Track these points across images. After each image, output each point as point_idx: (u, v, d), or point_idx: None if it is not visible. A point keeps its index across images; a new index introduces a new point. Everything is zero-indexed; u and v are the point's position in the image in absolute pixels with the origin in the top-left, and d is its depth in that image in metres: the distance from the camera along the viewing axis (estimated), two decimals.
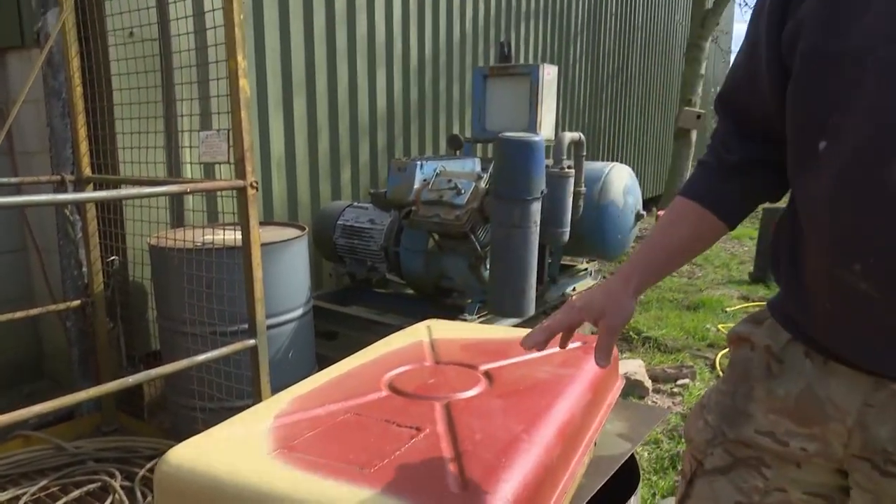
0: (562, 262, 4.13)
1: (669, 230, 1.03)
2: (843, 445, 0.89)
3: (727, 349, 2.99)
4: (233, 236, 2.43)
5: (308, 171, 3.94)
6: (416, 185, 3.16)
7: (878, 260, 0.77)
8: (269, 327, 2.42)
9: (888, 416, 0.84)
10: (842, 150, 0.78)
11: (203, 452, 1.17)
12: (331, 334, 3.46)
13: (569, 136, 3.36)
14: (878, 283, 0.78)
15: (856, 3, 0.77)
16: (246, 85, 2.16)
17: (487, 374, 1.56)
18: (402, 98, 4.67)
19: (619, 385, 1.80)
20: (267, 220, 3.54)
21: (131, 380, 1.92)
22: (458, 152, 4.28)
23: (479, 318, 3.19)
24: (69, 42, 2.67)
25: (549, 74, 4.04)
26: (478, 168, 3.57)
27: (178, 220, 3.06)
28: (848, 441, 0.88)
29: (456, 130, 5.20)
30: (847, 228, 0.80)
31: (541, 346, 1.01)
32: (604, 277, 5.59)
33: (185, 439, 1.22)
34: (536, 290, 3.72)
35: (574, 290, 4.06)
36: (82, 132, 2.70)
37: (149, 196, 2.56)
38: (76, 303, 2.76)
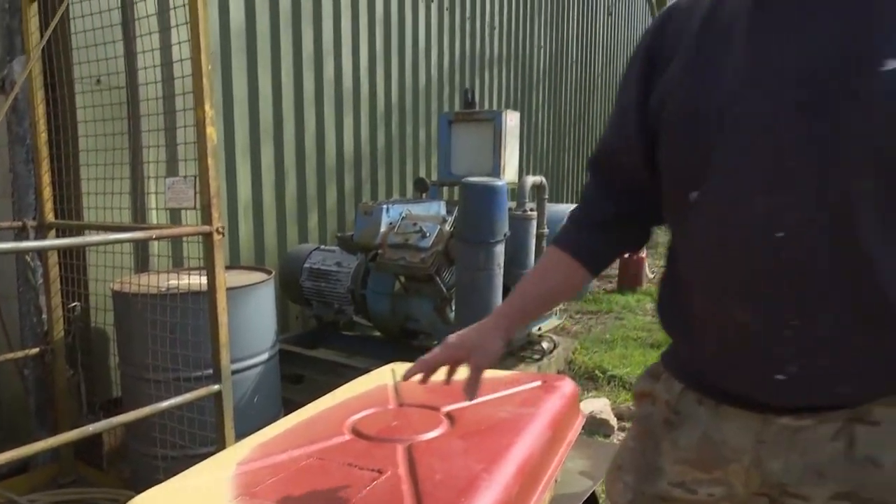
0: None
1: (541, 278, 1.11)
2: (744, 485, 0.92)
3: None
4: (198, 281, 2.43)
5: (275, 215, 3.96)
6: (383, 229, 3.21)
7: (755, 293, 0.83)
8: (235, 372, 2.41)
9: (779, 450, 0.87)
10: (711, 199, 0.85)
11: (164, 502, 1.17)
12: (297, 378, 3.44)
13: (531, 179, 3.46)
14: (758, 314, 0.83)
15: (712, 68, 0.85)
16: (213, 133, 2.20)
17: (449, 416, 1.58)
18: (370, 142, 4.75)
19: (580, 422, 1.84)
20: (233, 265, 3.54)
21: (91, 428, 1.89)
22: (424, 195, 4.36)
23: None
24: (35, 89, 2.69)
25: (511, 120, 4.17)
26: (443, 211, 3.64)
27: (142, 265, 3.05)
28: (747, 480, 0.91)
29: (423, 174, 5.29)
30: (724, 269, 0.86)
31: (419, 378, 1.09)
32: (570, 317, 5.67)
33: (145, 489, 1.22)
34: None
35: (539, 329, 4.11)
36: (46, 178, 2.70)
37: (114, 242, 2.56)
38: (34, 350, 2.71)
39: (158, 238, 2.15)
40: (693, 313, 0.94)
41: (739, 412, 0.91)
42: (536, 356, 3.98)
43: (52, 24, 2.25)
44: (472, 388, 1.06)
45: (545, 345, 3.99)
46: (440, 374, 1.17)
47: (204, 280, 2.24)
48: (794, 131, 0.78)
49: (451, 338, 1.10)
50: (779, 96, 0.79)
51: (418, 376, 1.12)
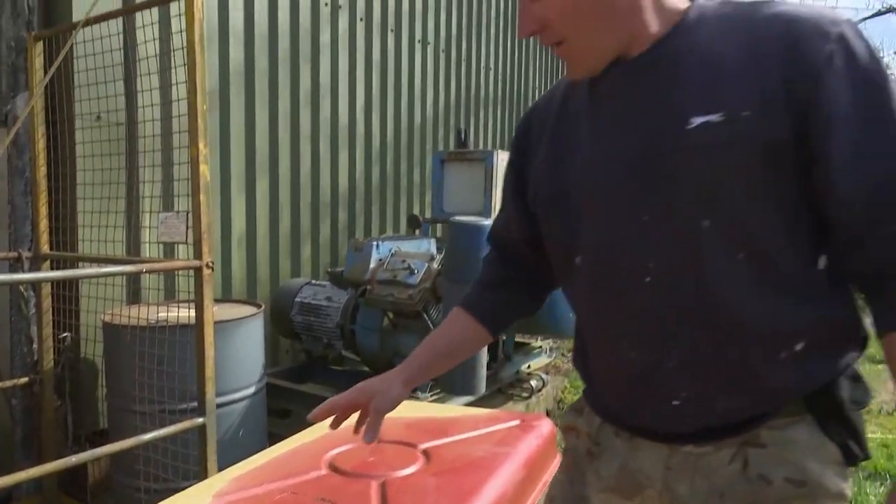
0: (517, 341, 4.22)
1: (442, 334, 1.20)
2: None
3: None
4: (187, 314, 2.47)
5: (268, 249, 4.02)
6: (372, 265, 3.27)
7: (637, 333, 0.95)
8: (220, 405, 2.43)
9: (685, 476, 0.97)
10: (589, 261, 1.00)
11: None
12: (284, 412, 3.45)
13: None
14: (644, 351, 0.95)
15: (567, 154, 1.02)
16: (206, 171, 2.28)
17: (426, 453, 1.61)
18: (364, 179, 4.84)
19: (557, 462, 1.87)
20: (225, 298, 3.58)
21: (74, 459, 1.91)
22: (417, 232, 4.43)
23: (431, 395, 3.23)
24: (36, 125, 2.77)
25: (503, 160, 4.26)
26: (433, 249, 3.70)
27: (134, 297, 3.09)
28: None
29: (416, 210, 5.37)
30: (609, 316, 0.99)
31: (319, 418, 1.14)
32: (562, 355, 5.69)
33: None
34: (491, 369, 3.79)
35: (529, 367, 4.14)
36: (43, 210, 2.77)
37: (104, 276, 2.61)
38: (24, 380, 2.73)
39: (148, 272, 2.20)
40: (593, 357, 1.06)
41: (650, 443, 1.00)
42: (525, 394, 3.99)
43: (56, 63, 2.34)
44: (371, 431, 1.12)
45: (534, 383, 4.00)
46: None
47: (193, 313, 2.28)
48: (637, 192, 0.92)
49: (360, 383, 1.17)
50: (617, 167, 0.94)
51: (328, 416, 1.17)
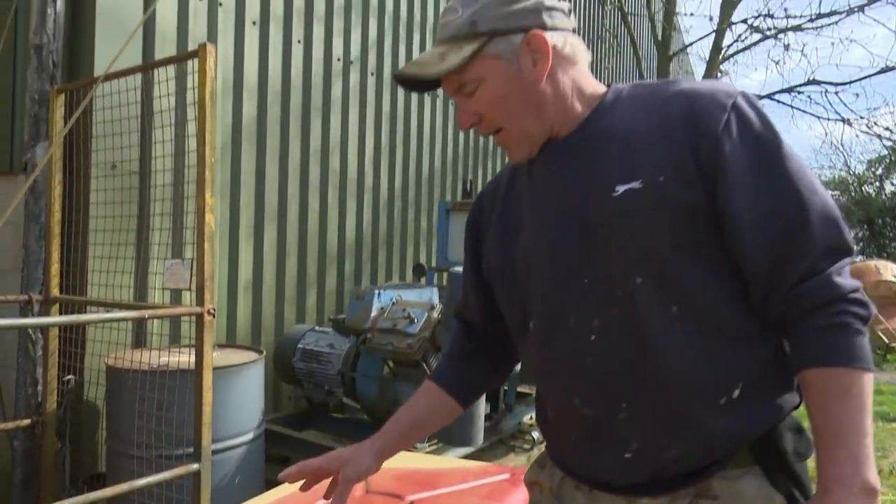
0: (519, 391, 4.21)
1: (414, 405, 1.25)
2: None
3: None
4: (188, 359, 2.52)
5: (274, 295, 4.08)
6: (373, 313, 3.31)
7: (588, 389, 1.00)
8: (218, 451, 2.45)
9: None
10: (540, 324, 1.07)
11: None
12: (283, 459, 3.44)
13: None
14: (595, 406, 1.00)
15: (513, 231, 1.11)
16: (212, 220, 2.36)
17: None
18: (371, 228, 4.93)
19: None
20: (229, 343, 3.63)
21: (68, 503, 1.93)
22: (422, 280, 4.48)
23: (429, 446, 3.23)
24: (53, 172, 2.89)
25: None
26: (435, 298, 3.74)
27: (139, 341, 3.14)
28: None
29: (423, 259, 5.44)
30: (562, 374, 1.04)
31: (290, 480, 1.16)
32: None
33: None
34: (492, 419, 3.78)
35: (531, 418, 4.11)
36: (55, 255, 2.85)
37: (108, 321, 2.67)
38: (26, 422, 2.77)
39: (151, 317, 2.26)
40: (550, 413, 1.11)
41: (608, 496, 1.04)
42: (527, 446, 3.96)
43: (75, 116, 2.45)
44: (339, 499, 1.14)
45: (536, 434, 3.98)
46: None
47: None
48: (576, 258, 1.00)
49: (334, 451, 1.20)
50: (556, 237, 1.02)
51: (299, 478, 1.19)
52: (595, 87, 1.07)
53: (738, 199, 0.92)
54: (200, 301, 2.31)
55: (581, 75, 1.06)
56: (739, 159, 0.93)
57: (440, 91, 5.48)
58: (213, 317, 2.33)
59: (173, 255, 3.17)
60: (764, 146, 0.94)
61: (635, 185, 0.95)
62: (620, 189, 0.96)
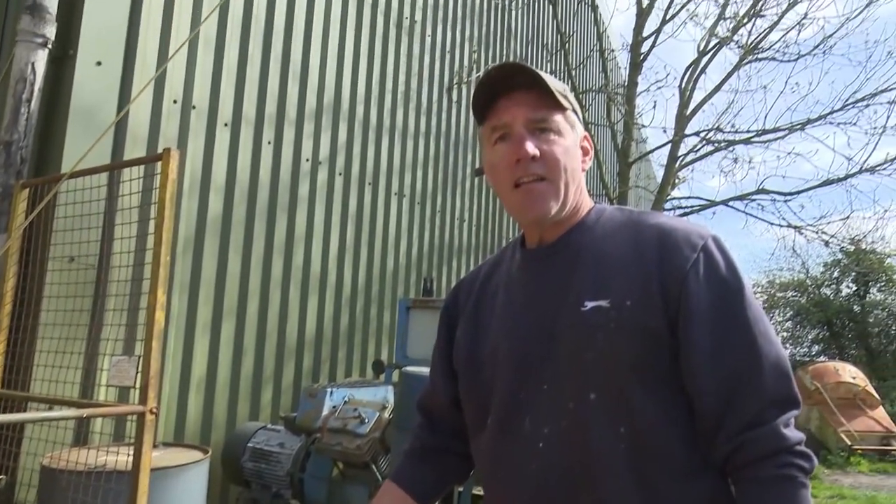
0: (474, 493, 4.11)
1: None
2: None
3: None
4: (128, 459, 2.45)
5: (228, 391, 4.02)
6: (325, 412, 3.28)
7: (536, 489, 1.02)
8: None
9: None
10: (493, 423, 1.09)
11: None
12: None
13: None
14: (543, 500, 1.01)
15: (484, 327, 1.16)
16: (162, 318, 2.38)
17: None
18: (332, 323, 4.94)
19: None
20: (176, 441, 3.54)
21: None
22: (381, 377, 4.46)
23: None
24: (9, 265, 2.90)
25: None
26: (390, 396, 3.72)
27: (82, 440, 3.06)
28: None
29: (384, 355, 5.43)
30: (507, 477, 1.07)
31: None
32: None
33: None
34: None
35: None
36: (0, 348, 2.82)
37: (43, 420, 2.61)
38: None
39: (90, 416, 2.23)
40: None
41: None
42: None
43: (35, 212, 2.51)
44: None
45: None
46: None
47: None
48: (539, 363, 1.04)
49: None
50: (523, 341, 1.07)
51: None
52: (588, 199, 1.17)
53: (697, 336, 0.97)
54: (143, 399, 2.29)
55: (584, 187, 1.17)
56: (702, 298, 0.98)
57: (407, 191, 5.64)
58: (156, 416, 2.30)
59: (124, 352, 3.15)
60: (727, 290, 0.99)
61: (603, 303, 1.00)
62: (589, 305, 1.01)
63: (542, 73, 1.08)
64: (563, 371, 1.02)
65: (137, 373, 2.41)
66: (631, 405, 0.98)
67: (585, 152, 1.14)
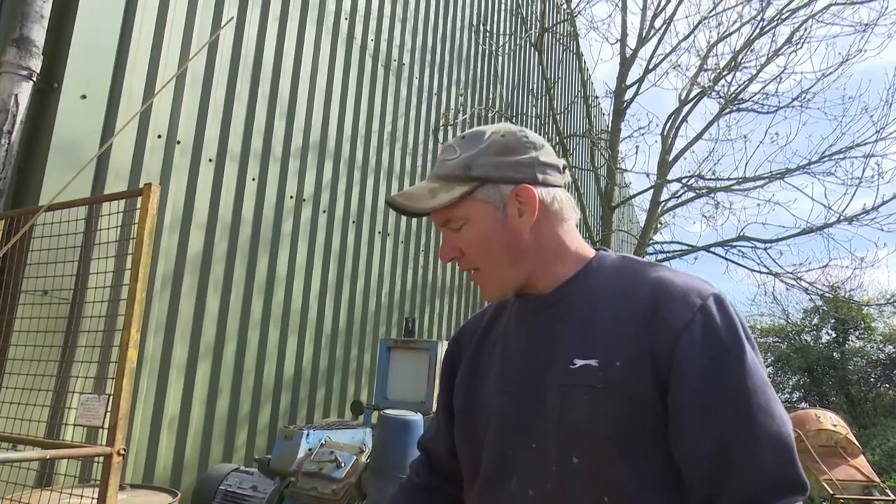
0: None
1: None
2: None
3: None
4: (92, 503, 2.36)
5: (202, 432, 3.91)
6: (300, 455, 3.19)
7: None
8: None
9: None
10: (484, 477, 1.07)
11: None
12: None
13: None
14: None
15: (482, 375, 1.13)
16: (134, 356, 2.32)
17: None
18: (312, 364, 4.86)
19: None
20: (145, 483, 3.42)
21: None
22: (360, 418, 4.37)
23: None
24: None
25: None
26: (368, 439, 3.64)
27: (46, 481, 2.94)
28: None
29: (364, 396, 5.34)
30: None
31: None
32: None
33: None
34: None
35: None
36: None
37: (4, 462, 2.52)
38: None
39: (54, 458, 2.14)
40: None
41: None
42: None
43: (8, 245, 2.46)
44: None
45: None
46: None
47: None
48: (528, 421, 1.02)
49: None
50: (515, 396, 1.05)
51: None
52: (581, 246, 1.10)
53: (685, 403, 0.91)
54: (111, 441, 2.22)
55: (566, 232, 1.09)
56: (694, 362, 0.91)
57: (391, 230, 5.65)
58: (123, 457, 2.22)
59: (94, 390, 3.06)
60: (723, 353, 0.92)
61: (592, 362, 0.96)
62: (578, 363, 0.97)
63: (416, 189, 1.06)
64: (549, 431, 0.98)
65: (107, 412, 2.34)
66: (614, 473, 0.93)
67: (521, 212, 1.05)
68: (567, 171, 1.12)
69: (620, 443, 0.93)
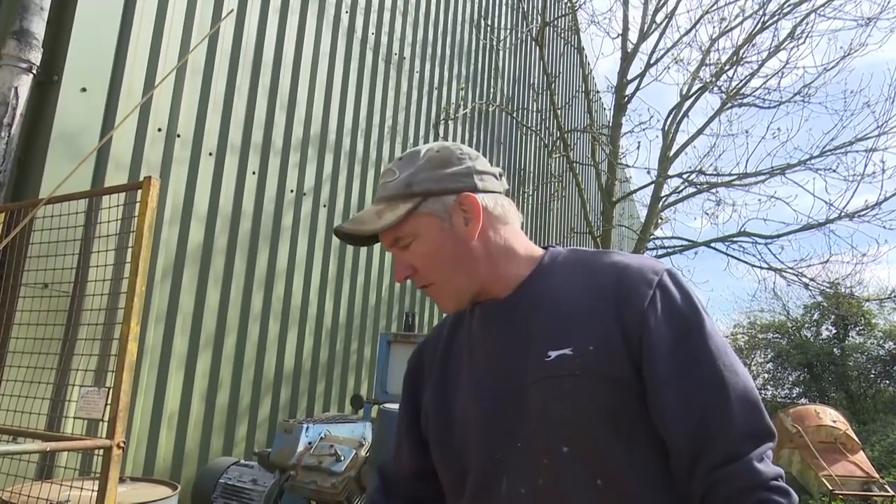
0: None
1: None
2: None
3: None
4: (93, 495, 2.36)
5: (202, 425, 3.92)
6: (300, 449, 3.20)
7: None
8: None
9: None
10: (472, 486, 1.07)
11: None
12: None
13: None
14: None
15: (452, 388, 1.13)
16: (134, 349, 2.32)
17: None
18: (312, 357, 4.87)
19: None
20: (145, 476, 3.43)
21: None
22: (359, 412, 4.38)
23: None
24: None
25: None
26: (368, 433, 3.65)
27: (46, 474, 2.95)
28: None
29: (364, 390, 5.35)
30: None
31: None
32: None
33: None
34: None
35: None
36: None
37: (4, 454, 2.52)
38: None
39: (54, 450, 2.15)
40: None
41: None
42: None
43: (8, 238, 2.46)
44: None
45: None
46: None
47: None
48: (510, 421, 1.02)
49: None
50: (492, 400, 1.05)
51: None
52: (529, 247, 1.12)
53: (660, 375, 0.95)
54: (111, 433, 2.22)
55: (513, 235, 1.11)
56: (662, 336, 0.96)
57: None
58: (123, 450, 2.23)
59: (95, 383, 3.07)
60: (685, 324, 0.98)
61: (567, 351, 0.98)
62: (553, 354, 0.99)
63: (363, 214, 1.08)
64: (535, 427, 0.99)
65: (107, 405, 2.34)
66: (605, 455, 0.96)
67: (466, 220, 1.06)
68: (503, 177, 1.15)
69: (607, 426, 0.96)
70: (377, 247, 5.64)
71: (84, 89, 3.26)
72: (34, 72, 3.07)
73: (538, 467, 0.98)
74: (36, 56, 3.06)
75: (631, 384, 0.96)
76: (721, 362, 0.96)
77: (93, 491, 2.32)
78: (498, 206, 1.09)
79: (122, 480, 2.72)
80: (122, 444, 2.23)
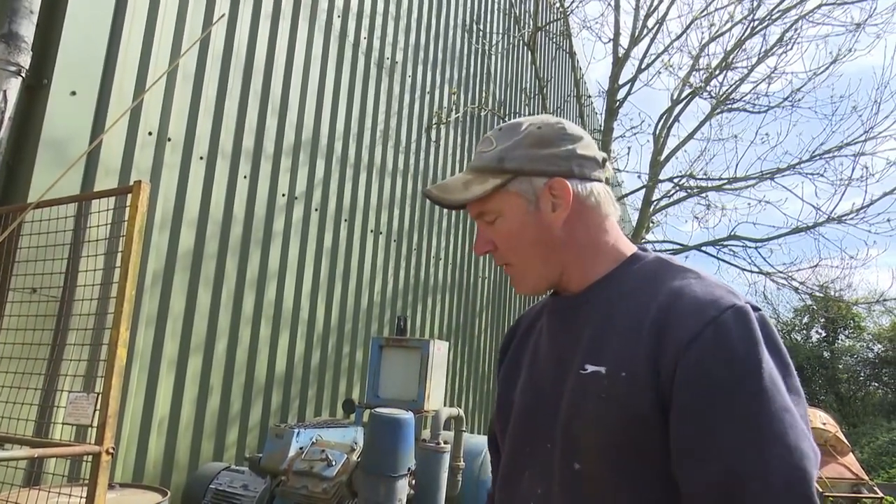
0: None
1: None
2: None
3: None
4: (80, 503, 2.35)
5: (192, 430, 3.90)
6: (291, 454, 3.19)
7: None
8: None
9: None
10: (503, 470, 1.09)
11: None
12: None
13: (447, 411, 3.54)
14: None
15: (516, 373, 1.14)
16: (123, 355, 2.31)
17: None
18: (303, 361, 4.85)
19: None
20: (135, 482, 3.41)
21: None
22: (351, 416, 4.37)
23: None
24: None
25: (439, 350, 4.36)
26: (360, 437, 3.64)
27: (34, 480, 2.93)
28: None
29: (356, 394, 5.33)
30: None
31: None
32: None
33: None
34: None
35: None
36: None
37: None
38: None
39: (41, 457, 2.13)
40: None
41: None
42: None
43: (1, 239, 2.45)
44: None
45: None
46: None
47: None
48: (544, 421, 1.02)
49: None
50: (536, 397, 1.05)
51: None
52: (619, 244, 1.05)
53: (686, 426, 0.85)
54: (99, 439, 2.20)
55: (604, 228, 1.05)
56: (700, 381, 0.85)
57: (384, 228, 5.65)
58: (112, 456, 2.21)
59: (83, 389, 3.05)
60: (734, 373, 0.84)
61: (601, 369, 0.93)
62: (589, 369, 0.95)
63: (451, 180, 1.06)
64: (560, 434, 0.98)
65: (95, 410, 2.32)
66: (610, 486, 0.91)
67: (554, 206, 1.02)
68: (608, 164, 1.08)
69: (618, 456, 0.91)
70: (368, 251, 5.63)
71: (74, 93, 3.25)
72: (23, 75, 3.05)
73: (553, 473, 0.98)
74: (25, 59, 3.04)
75: (653, 422, 0.88)
76: (771, 429, 0.81)
77: (81, 497, 2.30)
78: (592, 196, 1.03)
79: (111, 487, 2.70)
80: (111, 450, 2.21)
